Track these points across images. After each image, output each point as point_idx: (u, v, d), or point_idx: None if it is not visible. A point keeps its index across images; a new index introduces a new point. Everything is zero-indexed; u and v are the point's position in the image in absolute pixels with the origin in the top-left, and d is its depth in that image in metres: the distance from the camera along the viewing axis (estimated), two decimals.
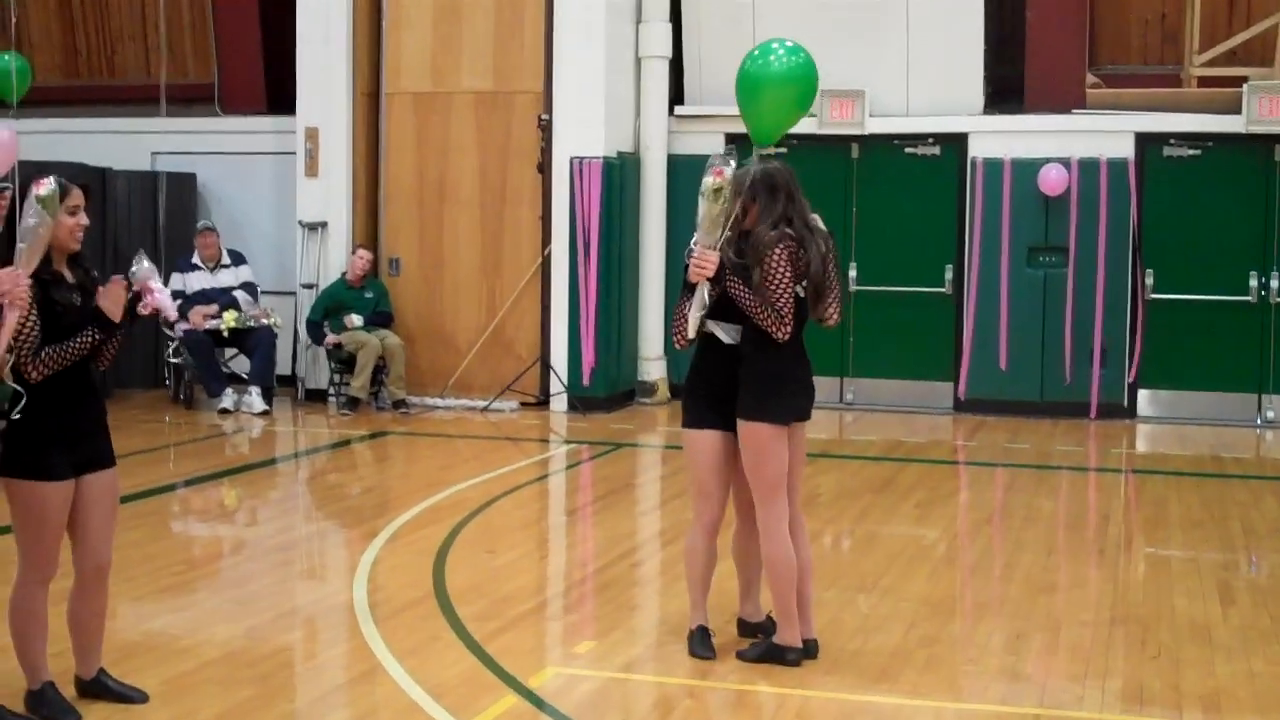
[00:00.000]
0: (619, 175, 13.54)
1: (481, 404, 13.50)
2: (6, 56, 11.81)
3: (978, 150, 13.61)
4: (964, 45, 13.56)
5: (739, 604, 6.41)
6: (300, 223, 14.12)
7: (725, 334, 5.95)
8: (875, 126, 13.71)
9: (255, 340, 13.32)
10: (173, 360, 13.67)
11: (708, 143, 13.05)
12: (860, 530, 8.83)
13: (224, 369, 13.55)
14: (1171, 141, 13.30)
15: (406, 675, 5.85)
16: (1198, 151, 13.28)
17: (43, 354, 5.06)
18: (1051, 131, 13.43)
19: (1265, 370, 13.20)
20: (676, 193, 13.79)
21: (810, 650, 6.05)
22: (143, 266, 5.32)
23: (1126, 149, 13.31)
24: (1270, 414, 13.16)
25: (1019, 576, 7.67)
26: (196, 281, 13.49)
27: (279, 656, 6.31)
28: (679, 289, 6.02)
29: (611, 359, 13.57)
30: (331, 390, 13.71)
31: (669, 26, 14.03)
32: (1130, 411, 13.42)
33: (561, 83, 13.43)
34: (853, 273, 13.78)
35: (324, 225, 14.05)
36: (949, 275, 13.76)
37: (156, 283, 5.33)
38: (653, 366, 14.12)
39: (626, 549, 8.40)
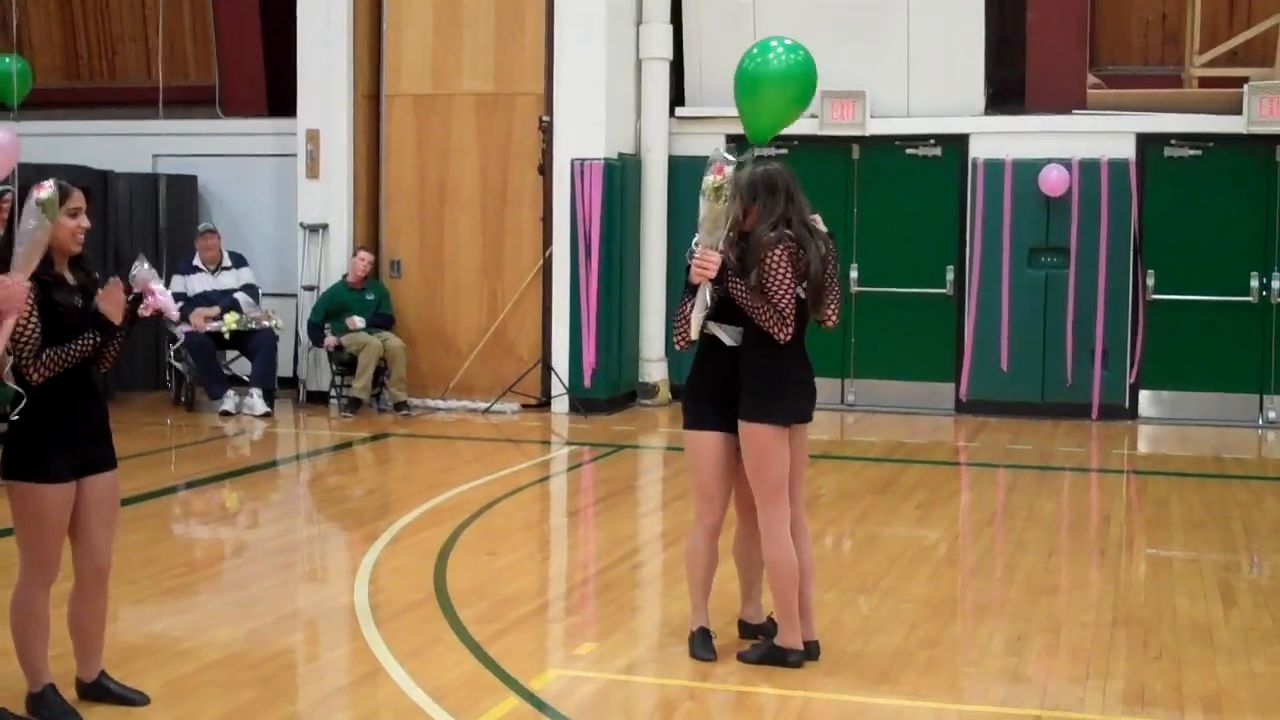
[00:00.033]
0: (620, 177, 13.54)
1: (483, 406, 13.50)
2: (7, 59, 11.84)
3: (978, 151, 13.61)
4: (965, 46, 13.55)
5: (740, 606, 6.41)
6: (301, 225, 14.12)
7: (727, 336, 5.94)
8: (876, 127, 13.71)
9: (256, 342, 13.31)
10: (174, 363, 13.68)
11: (708, 144, 12.86)
12: (861, 531, 8.82)
13: (225, 371, 13.55)
14: (1172, 142, 13.30)
15: (408, 677, 5.84)
16: (1198, 152, 13.28)
17: (44, 356, 5.07)
18: (1052, 132, 13.43)
19: (1266, 371, 13.20)
20: (677, 194, 13.79)
21: (811, 652, 6.05)
22: (142, 269, 5.33)
23: (1127, 149, 13.31)
24: (1271, 414, 13.16)
25: (1020, 578, 7.67)
26: (198, 284, 13.48)
27: (280, 659, 6.30)
28: (680, 290, 6.02)
29: (613, 360, 13.57)
30: (333, 392, 13.72)
31: (670, 28, 14.03)
32: (1131, 412, 13.42)
33: (562, 84, 13.43)
34: (854, 274, 13.77)
35: (325, 227, 14.05)
36: (950, 276, 13.76)
37: (157, 284, 5.33)
38: (654, 368, 14.11)
39: (628, 551, 8.40)
